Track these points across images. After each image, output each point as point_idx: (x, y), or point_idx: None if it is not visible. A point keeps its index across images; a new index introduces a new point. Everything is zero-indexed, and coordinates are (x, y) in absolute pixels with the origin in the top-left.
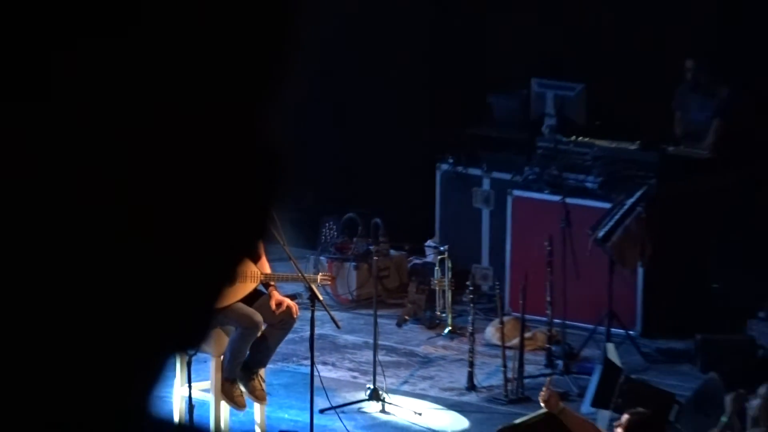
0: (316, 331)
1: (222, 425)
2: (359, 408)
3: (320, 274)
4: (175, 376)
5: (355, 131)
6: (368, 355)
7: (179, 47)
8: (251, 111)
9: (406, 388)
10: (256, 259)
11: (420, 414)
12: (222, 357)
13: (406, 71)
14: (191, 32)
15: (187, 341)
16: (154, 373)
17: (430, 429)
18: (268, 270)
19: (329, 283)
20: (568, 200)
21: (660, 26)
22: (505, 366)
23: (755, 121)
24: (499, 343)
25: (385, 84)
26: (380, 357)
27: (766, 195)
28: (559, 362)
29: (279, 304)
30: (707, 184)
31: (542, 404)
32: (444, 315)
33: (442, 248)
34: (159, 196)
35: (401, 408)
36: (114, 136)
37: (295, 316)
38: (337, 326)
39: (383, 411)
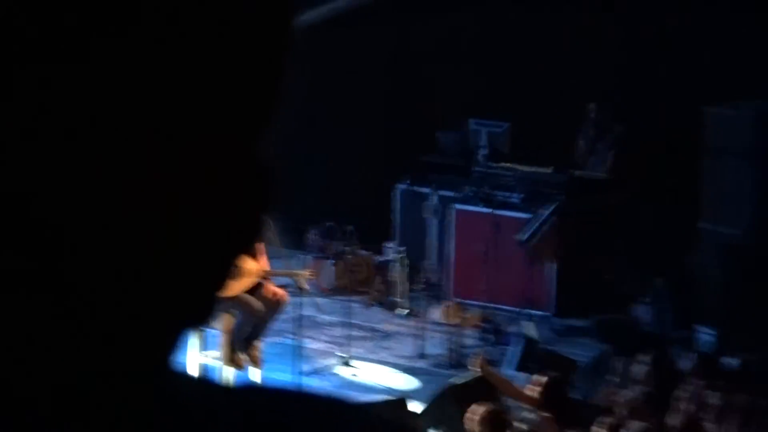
0: (302, 312)
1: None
2: (334, 371)
3: (306, 270)
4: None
5: (334, 160)
6: (342, 330)
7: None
8: (254, 139)
9: (371, 356)
10: (255, 258)
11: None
12: (230, 333)
13: (373, 114)
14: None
15: (199, 320)
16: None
17: (389, 388)
18: (267, 267)
19: (313, 277)
20: (498, 212)
21: (569, 76)
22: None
23: (641, 152)
24: (443, 321)
25: (356, 125)
26: (351, 332)
27: (648, 208)
28: (490, 336)
29: (272, 293)
30: (604, 199)
31: (476, 369)
32: (401, 300)
33: (400, 249)
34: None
35: (367, 372)
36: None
37: (284, 302)
38: (318, 308)
39: (353, 375)
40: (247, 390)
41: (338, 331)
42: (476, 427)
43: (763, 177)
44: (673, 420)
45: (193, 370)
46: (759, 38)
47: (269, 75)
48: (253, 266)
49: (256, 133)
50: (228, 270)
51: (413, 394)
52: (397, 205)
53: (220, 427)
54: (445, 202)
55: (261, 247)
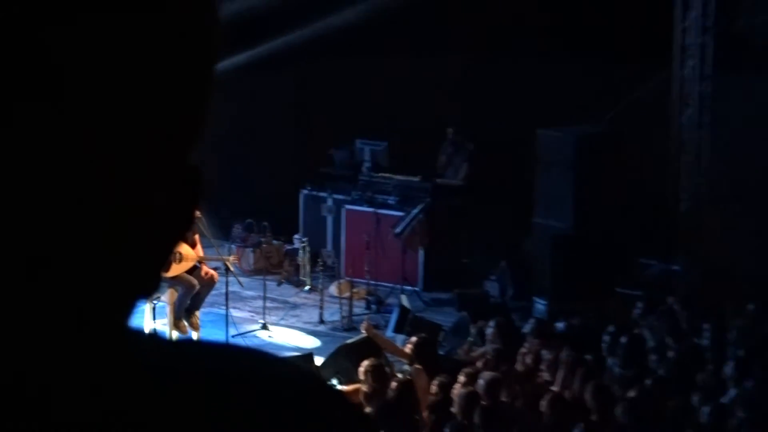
0: (229, 288)
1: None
2: (255, 334)
3: (232, 256)
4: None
5: (254, 170)
6: (260, 302)
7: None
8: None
9: (282, 322)
10: (193, 247)
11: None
12: (174, 305)
13: (283, 136)
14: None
15: (149, 292)
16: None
17: (298, 347)
18: (201, 253)
19: (237, 261)
20: (378, 211)
21: (432, 107)
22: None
23: (488, 164)
24: (338, 295)
25: (270, 143)
26: (267, 304)
27: (494, 207)
28: (374, 306)
29: (206, 273)
30: (460, 201)
31: (363, 331)
32: (305, 279)
33: (304, 240)
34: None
35: (280, 334)
36: None
37: (216, 281)
38: (241, 285)
39: (270, 337)
40: (189, 342)
41: (257, 303)
42: (364, 376)
43: (581, 183)
44: (517, 370)
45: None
46: (579, 78)
47: (197, 108)
48: (191, 253)
49: (188, 148)
50: (169, 254)
51: (316, 351)
52: (301, 205)
53: (170, 369)
54: (338, 203)
55: (196, 238)
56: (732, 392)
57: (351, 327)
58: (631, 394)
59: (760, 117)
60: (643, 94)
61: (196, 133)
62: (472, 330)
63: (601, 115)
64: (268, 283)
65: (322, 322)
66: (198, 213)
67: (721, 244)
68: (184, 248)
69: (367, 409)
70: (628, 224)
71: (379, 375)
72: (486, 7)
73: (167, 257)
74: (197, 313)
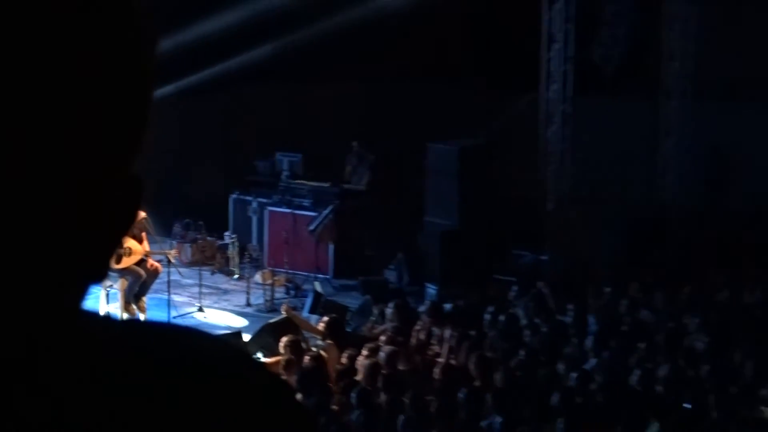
0: (170, 277)
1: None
2: (193, 316)
3: (173, 250)
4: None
5: (192, 178)
6: (197, 289)
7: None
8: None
9: (215, 305)
10: (140, 243)
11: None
12: (124, 292)
13: (217, 149)
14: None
15: (99, 280)
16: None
17: (229, 326)
18: (147, 248)
19: (177, 255)
20: (295, 212)
21: (338, 124)
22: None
23: (387, 172)
24: (261, 282)
25: (205, 156)
26: (203, 290)
27: (392, 208)
28: (292, 291)
29: (152, 265)
30: (363, 203)
31: (283, 312)
32: (234, 269)
33: (233, 236)
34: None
35: (214, 315)
36: None
37: (159, 271)
38: (181, 275)
39: (205, 318)
40: (136, 322)
41: (194, 290)
42: (283, 350)
43: (463, 188)
44: (412, 344)
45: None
46: (462, 100)
47: (138, 129)
48: (138, 248)
49: (130, 161)
50: (115, 247)
51: (244, 330)
52: (230, 207)
53: (119, 344)
54: (261, 205)
55: (143, 235)
56: (592, 361)
57: (273, 309)
58: (509, 363)
59: (611, 131)
60: (516, 113)
61: (136, 148)
62: (374, 311)
63: (480, 131)
64: (203, 272)
65: (248, 305)
66: (144, 214)
67: (581, 238)
68: (132, 244)
69: (286, 378)
70: (504, 221)
71: (296, 348)
72: (383, 40)
73: (114, 250)
74: (144, 298)
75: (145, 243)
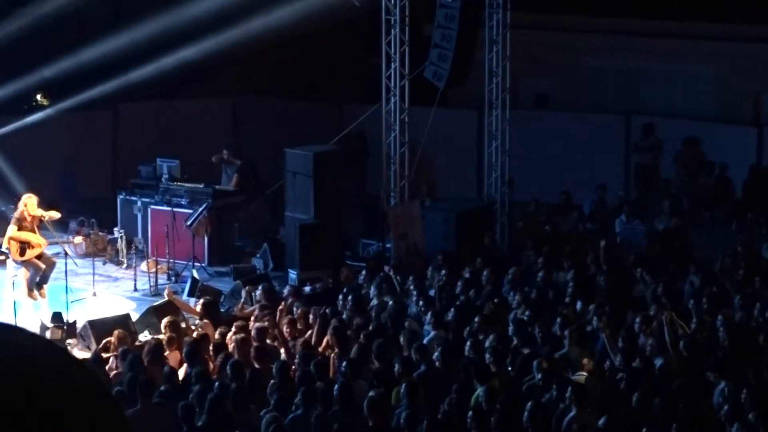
0: (67, 268)
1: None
2: (87, 300)
3: (71, 240)
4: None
5: (83, 182)
6: (91, 277)
7: None
8: None
9: (107, 291)
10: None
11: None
12: (27, 281)
13: (103, 156)
14: None
15: None
16: None
17: (118, 309)
18: (46, 243)
19: (74, 246)
20: (174, 209)
21: (212, 133)
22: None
23: (252, 175)
24: (146, 270)
25: (99, 164)
26: (96, 278)
27: (257, 206)
28: (173, 277)
29: (48, 258)
30: (233, 201)
31: (166, 296)
32: (123, 259)
33: (121, 231)
34: None
35: (106, 300)
36: None
37: (55, 263)
38: (76, 265)
39: (97, 301)
40: None
41: (89, 278)
42: (164, 329)
43: (318, 187)
44: (282, 323)
45: (8, 305)
46: (316, 113)
47: None
48: (39, 241)
49: None
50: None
51: (132, 311)
52: (119, 206)
53: None
54: (145, 204)
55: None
56: (432, 333)
57: (157, 293)
58: (360, 338)
59: (443, 137)
60: (361, 123)
61: None
62: (244, 294)
63: (331, 139)
64: (96, 262)
65: (135, 290)
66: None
67: (416, 228)
68: (33, 237)
69: (171, 352)
70: (354, 215)
71: (175, 327)
72: (248, 61)
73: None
74: (45, 286)
75: (43, 239)
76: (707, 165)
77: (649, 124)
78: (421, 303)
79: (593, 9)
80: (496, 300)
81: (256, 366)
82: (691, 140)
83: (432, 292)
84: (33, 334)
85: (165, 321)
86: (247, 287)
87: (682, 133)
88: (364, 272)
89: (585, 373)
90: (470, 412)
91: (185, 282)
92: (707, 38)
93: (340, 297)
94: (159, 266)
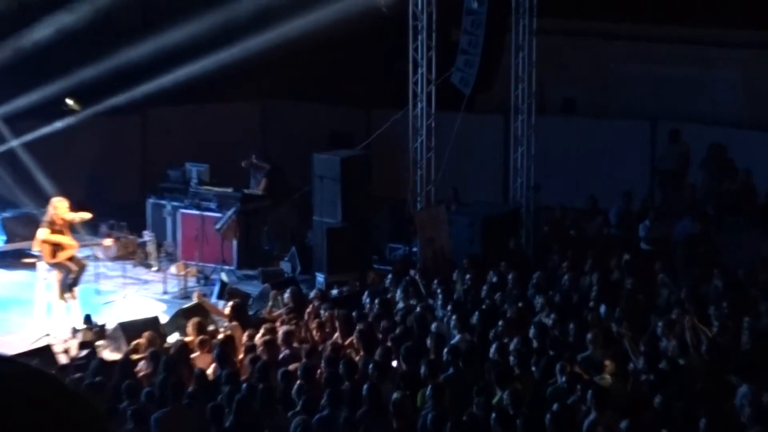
0: (98, 270)
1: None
2: (119, 302)
3: (103, 242)
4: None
5: (114, 186)
6: (121, 279)
7: None
8: None
9: (137, 293)
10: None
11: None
12: (59, 283)
13: (135, 164)
14: None
15: None
16: None
17: (150, 311)
18: (78, 246)
19: (104, 249)
20: (203, 213)
21: (241, 138)
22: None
23: (280, 180)
24: (176, 273)
25: (130, 171)
26: (126, 281)
27: (285, 210)
28: (202, 280)
29: (79, 261)
30: (261, 205)
31: (195, 299)
32: (153, 262)
33: (151, 234)
34: None
35: (136, 302)
36: None
37: (87, 264)
38: (106, 269)
39: (128, 303)
40: None
41: (119, 280)
42: (191, 330)
43: (345, 192)
44: (309, 326)
45: (40, 306)
46: (344, 118)
47: None
48: (71, 243)
49: None
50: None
51: (162, 314)
52: (148, 210)
53: None
54: (174, 208)
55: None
56: (457, 337)
57: (186, 296)
58: (387, 341)
59: (469, 142)
60: (388, 128)
61: None
62: (272, 297)
63: (359, 143)
64: (126, 266)
65: (165, 293)
66: (74, 216)
67: (443, 232)
68: (65, 241)
69: (201, 354)
70: (381, 220)
71: (201, 329)
72: (276, 66)
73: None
74: (76, 288)
75: (76, 242)
76: (732, 171)
77: (674, 130)
78: (447, 307)
79: (620, 15)
80: (520, 304)
81: (283, 368)
82: (717, 146)
83: (457, 296)
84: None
85: (191, 323)
86: (274, 290)
87: (708, 139)
88: (390, 276)
89: (608, 376)
90: (493, 414)
91: (214, 285)
92: (734, 45)
93: (367, 300)
94: (188, 269)
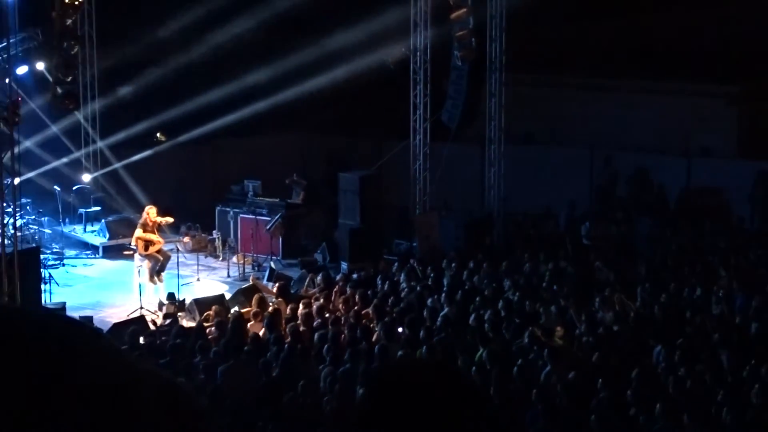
0: (179, 259)
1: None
2: (194, 284)
3: (182, 239)
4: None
5: (191, 197)
6: (195, 267)
7: None
8: None
9: (208, 277)
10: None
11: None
12: (149, 269)
13: (205, 179)
14: None
15: None
16: None
17: (218, 290)
18: (163, 241)
19: (184, 244)
20: (257, 217)
21: (283, 161)
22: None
23: (314, 193)
24: (237, 262)
25: (202, 183)
26: (199, 267)
27: (321, 214)
28: (256, 267)
29: (165, 253)
30: (300, 212)
31: (251, 281)
32: (219, 254)
33: (218, 233)
34: None
35: (208, 284)
36: None
37: (171, 255)
38: (185, 258)
39: (200, 285)
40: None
41: (194, 267)
42: (254, 303)
43: (362, 201)
44: (336, 301)
45: (135, 287)
46: (360, 145)
47: None
48: (158, 240)
49: None
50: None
51: (226, 292)
52: (216, 215)
53: None
54: (236, 214)
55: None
56: (446, 309)
57: (244, 279)
58: (394, 313)
59: (455, 165)
60: (394, 155)
61: None
62: (308, 279)
63: (373, 165)
64: (199, 256)
65: (228, 276)
66: (162, 219)
67: (435, 232)
68: (154, 238)
69: (255, 322)
70: (389, 222)
71: (262, 303)
72: (312, 108)
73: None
74: (162, 273)
75: (161, 238)
76: (650, 186)
77: (608, 156)
78: (439, 287)
79: (568, 71)
80: (494, 285)
81: (317, 333)
82: (640, 168)
83: (446, 279)
84: (56, 314)
85: (255, 298)
86: (310, 275)
87: (632, 162)
88: (396, 264)
89: (558, 339)
90: (473, 368)
91: (265, 271)
92: (651, 92)
93: (379, 282)
94: (246, 259)
